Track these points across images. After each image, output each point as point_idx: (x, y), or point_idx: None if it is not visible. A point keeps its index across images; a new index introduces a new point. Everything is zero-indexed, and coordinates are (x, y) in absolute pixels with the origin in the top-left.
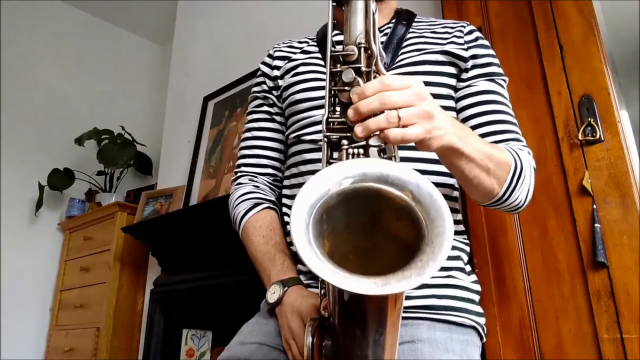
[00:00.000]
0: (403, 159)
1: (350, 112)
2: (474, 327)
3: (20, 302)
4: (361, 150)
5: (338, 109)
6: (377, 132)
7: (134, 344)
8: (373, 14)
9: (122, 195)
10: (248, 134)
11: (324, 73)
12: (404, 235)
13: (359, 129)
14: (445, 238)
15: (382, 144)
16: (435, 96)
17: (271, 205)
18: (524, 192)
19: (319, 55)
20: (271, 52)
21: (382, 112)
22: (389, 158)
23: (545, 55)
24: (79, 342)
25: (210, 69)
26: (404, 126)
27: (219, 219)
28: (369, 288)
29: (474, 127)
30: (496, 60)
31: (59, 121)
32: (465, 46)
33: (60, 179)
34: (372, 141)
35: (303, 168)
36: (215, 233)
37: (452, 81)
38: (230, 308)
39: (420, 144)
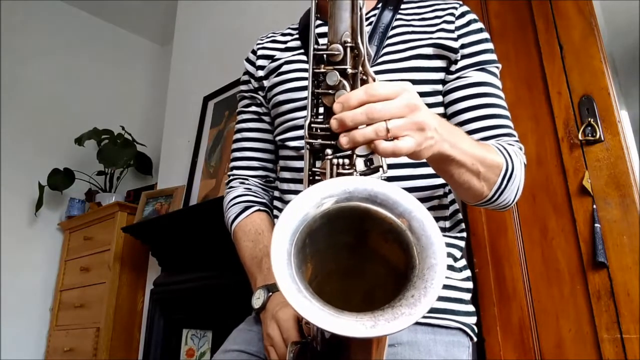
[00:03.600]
0: (389, 166)
1: (333, 122)
2: (460, 329)
3: (20, 302)
4: (347, 161)
5: (322, 110)
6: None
7: (134, 344)
8: (360, 8)
9: (122, 195)
10: (238, 135)
11: (307, 71)
12: (392, 259)
13: (344, 140)
14: (437, 271)
15: (369, 154)
16: (421, 94)
17: (261, 208)
18: (513, 192)
19: (302, 51)
20: (255, 48)
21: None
22: (377, 168)
23: (545, 55)
24: (79, 342)
25: (210, 69)
26: (394, 138)
27: (219, 219)
28: (356, 330)
29: (464, 122)
30: (488, 46)
31: (59, 121)
32: (455, 34)
33: (60, 179)
34: (359, 150)
35: (288, 175)
36: (215, 233)
37: (441, 75)
38: (231, 308)
39: (411, 155)
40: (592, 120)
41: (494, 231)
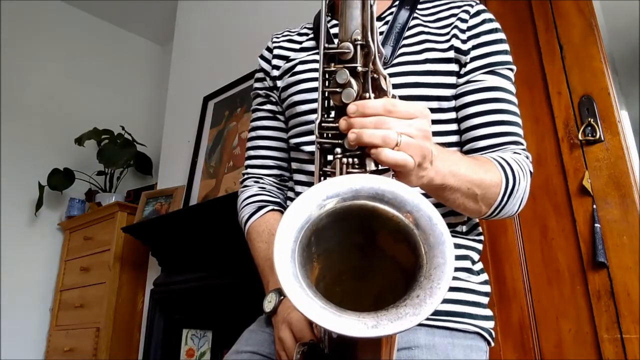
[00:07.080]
0: None
1: (342, 123)
2: (478, 333)
3: (20, 302)
4: (357, 160)
5: (333, 110)
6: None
7: (134, 344)
8: (371, 6)
9: (122, 195)
10: (253, 134)
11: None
12: (401, 259)
13: (352, 136)
14: (445, 271)
15: None
16: (437, 98)
17: (275, 207)
18: (516, 205)
19: (317, 51)
20: (270, 45)
21: None
22: (387, 169)
23: (545, 55)
24: (79, 342)
25: (210, 69)
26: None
27: (219, 219)
28: (357, 329)
29: (471, 128)
30: (501, 47)
31: (59, 121)
32: (466, 35)
33: (60, 179)
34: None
35: (304, 178)
36: (215, 233)
37: (454, 79)
38: (230, 308)
39: (400, 176)
40: (592, 120)
41: (494, 231)
